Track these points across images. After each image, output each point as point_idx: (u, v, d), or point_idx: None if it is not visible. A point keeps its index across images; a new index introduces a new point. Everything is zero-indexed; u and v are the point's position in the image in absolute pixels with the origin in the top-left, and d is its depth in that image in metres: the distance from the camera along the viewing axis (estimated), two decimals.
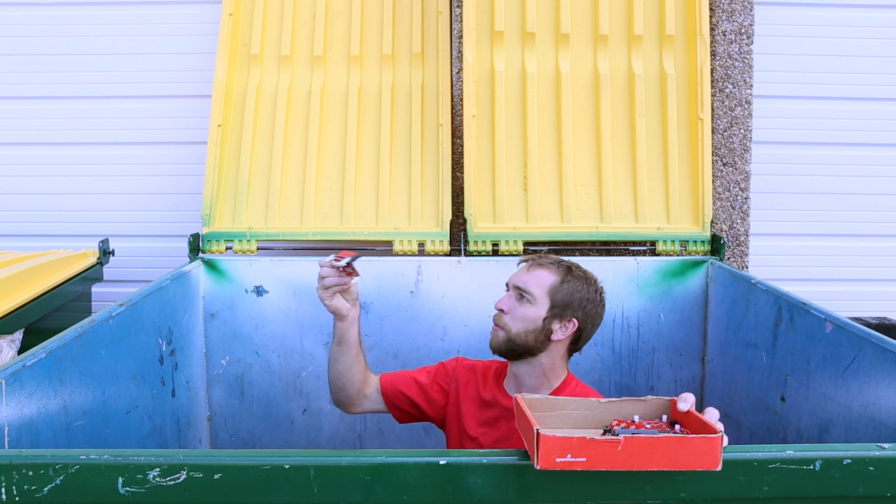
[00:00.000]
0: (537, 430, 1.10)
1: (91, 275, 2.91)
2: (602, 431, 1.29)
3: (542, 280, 1.83)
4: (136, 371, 2.02)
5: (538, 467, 1.09)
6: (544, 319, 1.80)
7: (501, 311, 1.84)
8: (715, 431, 1.15)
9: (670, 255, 2.75)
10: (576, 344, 1.87)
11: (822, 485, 1.16)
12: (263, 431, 2.68)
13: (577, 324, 1.82)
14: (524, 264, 1.91)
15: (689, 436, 1.13)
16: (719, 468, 1.11)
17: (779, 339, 2.15)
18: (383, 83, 2.98)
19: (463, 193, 2.82)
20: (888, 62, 3.37)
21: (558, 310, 1.81)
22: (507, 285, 1.90)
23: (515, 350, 1.82)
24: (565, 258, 1.93)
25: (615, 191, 2.82)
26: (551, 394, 1.85)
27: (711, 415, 1.27)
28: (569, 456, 1.09)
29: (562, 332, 1.82)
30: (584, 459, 1.09)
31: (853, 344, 1.80)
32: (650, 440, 1.10)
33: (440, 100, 2.93)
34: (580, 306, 1.83)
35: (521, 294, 1.83)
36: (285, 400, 2.67)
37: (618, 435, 1.13)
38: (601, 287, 1.90)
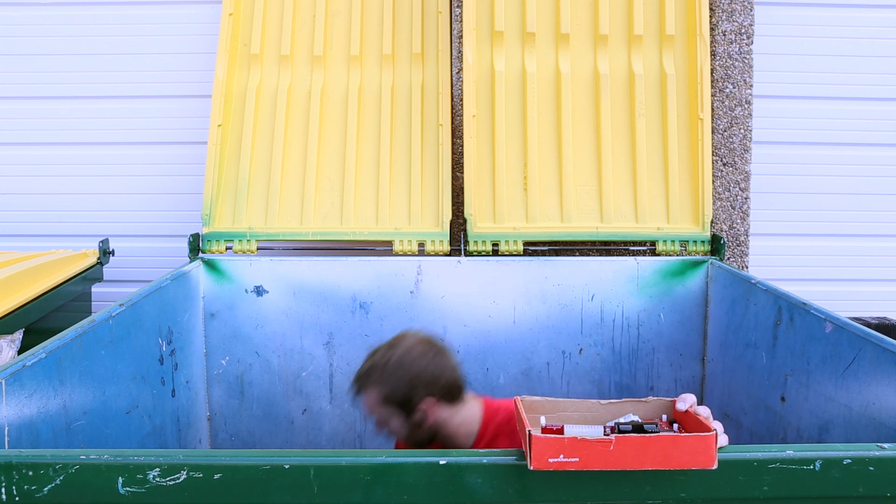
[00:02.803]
0: (529, 431, 1.10)
1: (91, 275, 2.91)
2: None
3: (371, 402, 1.83)
4: (136, 371, 2.02)
5: (531, 468, 1.10)
6: (407, 420, 1.79)
7: (386, 433, 1.87)
8: (711, 430, 1.15)
9: (670, 255, 2.75)
10: (449, 395, 1.82)
11: (822, 485, 1.16)
12: (263, 431, 2.68)
13: (431, 398, 1.78)
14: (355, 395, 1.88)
15: (682, 434, 1.13)
16: (715, 467, 1.11)
17: (779, 339, 2.14)
18: (383, 83, 2.98)
19: (463, 193, 2.82)
20: (888, 62, 3.37)
21: (407, 407, 1.78)
22: None
23: (425, 442, 1.82)
24: (373, 355, 1.87)
25: (615, 191, 2.82)
26: (479, 436, 1.83)
27: (702, 412, 1.27)
28: (561, 456, 1.09)
29: (431, 412, 1.79)
30: (577, 459, 1.09)
31: (853, 344, 1.80)
32: (642, 440, 1.10)
33: (440, 100, 2.93)
34: (413, 386, 1.77)
35: (377, 419, 1.85)
36: (285, 400, 2.67)
37: (615, 431, 1.13)
38: (410, 341, 1.84)
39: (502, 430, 1.82)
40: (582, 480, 1.15)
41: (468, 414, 1.84)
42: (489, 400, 1.90)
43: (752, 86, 3.16)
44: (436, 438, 1.83)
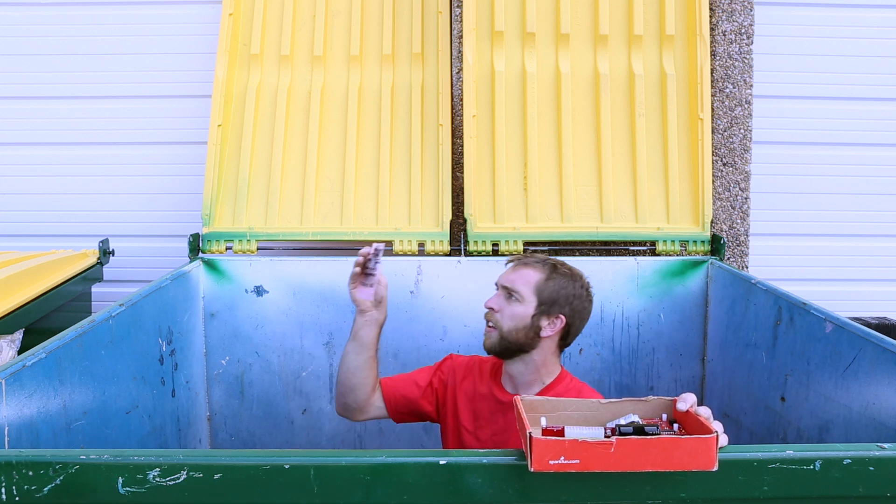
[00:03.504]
0: (530, 433, 1.10)
1: (91, 275, 2.91)
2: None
3: (528, 278, 1.86)
4: (136, 371, 2.02)
5: (532, 469, 1.09)
6: (533, 317, 1.84)
7: (492, 309, 1.87)
8: (711, 431, 1.14)
9: (670, 255, 2.75)
10: (565, 339, 1.90)
11: (822, 485, 1.16)
12: (263, 431, 2.68)
13: (564, 320, 1.86)
14: (511, 264, 1.93)
15: (684, 436, 1.13)
16: (715, 468, 1.11)
17: (779, 339, 2.15)
18: (383, 83, 2.98)
19: (463, 193, 2.82)
20: (888, 62, 3.37)
21: (545, 307, 1.84)
22: (496, 286, 1.93)
23: (508, 348, 1.86)
24: (552, 257, 1.96)
25: (615, 191, 2.82)
26: (545, 390, 1.88)
27: (703, 413, 1.27)
28: (562, 458, 1.09)
29: (550, 328, 1.85)
30: (578, 461, 1.09)
31: (853, 344, 1.80)
32: (643, 442, 1.10)
33: (440, 100, 2.93)
34: (567, 302, 1.86)
35: (509, 293, 1.86)
36: (285, 400, 2.67)
37: (616, 433, 1.13)
38: (587, 282, 1.93)
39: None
40: (582, 480, 1.15)
41: (554, 364, 1.91)
42: (567, 371, 1.95)
43: (752, 86, 3.16)
44: (518, 354, 1.86)
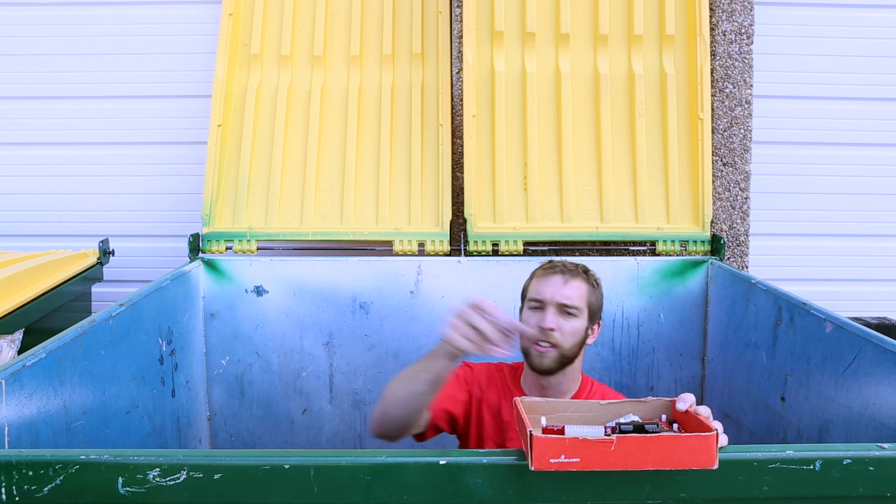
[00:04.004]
0: (530, 431, 1.10)
1: (91, 275, 2.91)
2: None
3: (581, 291, 1.85)
4: (136, 371, 2.02)
5: (532, 468, 1.10)
6: (586, 329, 1.86)
7: (552, 329, 1.80)
8: (711, 430, 1.15)
9: (670, 255, 2.75)
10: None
11: (822, 485, 1.16)
12: (263, 431, 2.68)
13: (600, 325, 1.93)
14: (553, 277, 1.85)
15: (683, 434, 1.13)
16: (715, 466, 1.11)
17: (779, 339, 2.14)
18: (383, 83, 2.98)
19: (463, 193, 2.82)
20: (888, 62, 3.37)
21: (593, 317, 1.88)
22: (536, 302, 1.85)
23: (564, 364, 1.83)
24: (567, 258, 1.97)
25: (615, 191, 2.82)
26: (575, 395, 1.88)
27: (702, 412, 1.27)
28: (562, 457, 1.09)
29: (593, 336, 1.90)
30: (578, 460, 1.09)
31: (853, 344, 1.80)
32: (643, 440, 1.10)
33: (440, 100, 2.93)
34: (601, 308, 1.92)
35: (565, 309, 1.81)
36: (285, 400, 2.67)
37: (616, 432, 1.13)
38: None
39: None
40: (582, 480, 1.15)
41: (580, 370, 1.91)
42: (586, 374, 1.96)
43: (752, 86, 3.16)
44: (561, 369, 1.82)
